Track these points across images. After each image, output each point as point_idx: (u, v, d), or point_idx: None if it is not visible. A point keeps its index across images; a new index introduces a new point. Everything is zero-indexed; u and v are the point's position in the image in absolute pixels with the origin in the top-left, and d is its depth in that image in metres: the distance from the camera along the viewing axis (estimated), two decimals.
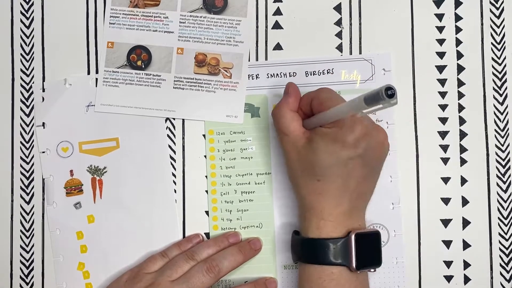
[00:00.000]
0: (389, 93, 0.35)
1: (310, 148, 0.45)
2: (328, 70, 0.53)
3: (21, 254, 0.54)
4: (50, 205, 0.54)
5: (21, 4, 0.55)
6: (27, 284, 0.54)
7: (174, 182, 0.53)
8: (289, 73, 0.53)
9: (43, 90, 0.54)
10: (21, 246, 0.54)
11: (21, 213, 0.54)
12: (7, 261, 0.54)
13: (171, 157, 0.54)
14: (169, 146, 0.54)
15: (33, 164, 0.54)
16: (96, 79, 0.54)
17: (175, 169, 0.53)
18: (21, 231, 0.54)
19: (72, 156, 0.54)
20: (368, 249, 0.45)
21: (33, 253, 0.54)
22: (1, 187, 0.54)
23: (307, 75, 0.53)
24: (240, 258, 0.50)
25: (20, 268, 0.54)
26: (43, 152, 0.54)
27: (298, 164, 0.46)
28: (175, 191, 0.53)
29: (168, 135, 0.54)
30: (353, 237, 0.44)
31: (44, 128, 0.54)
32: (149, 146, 0.54)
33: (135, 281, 0.49)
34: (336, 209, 0.45)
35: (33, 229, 0.54)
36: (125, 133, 0.54)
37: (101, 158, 0.54)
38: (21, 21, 0.55)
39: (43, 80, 0.54)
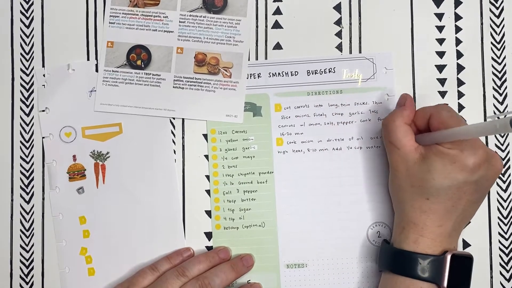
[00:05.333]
0: None
1: (425, 165, 0.44)
2: (330, 69, 0.53)
3: (21, 254, 0.54)
4: (53, 190, 0.54)
5: (21, 3, 0.55)
6: (27, 283, 0.54)
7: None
8: (291, 72, 0.53)
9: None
10: (20, 246, 0.54)
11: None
12: (7, 261, 0.54)
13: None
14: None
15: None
16: (96, 65, 0.54)
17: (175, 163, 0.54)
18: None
19: (75, 141, 0.54)
20: (459, 272, 0.45)
21: (33, 252, 0.54)
22: (1, 183, 0.54)
23: (308, 74, 0.53)
24: (232, 276, 0.50)
25: (20, 268, 0.54)
26: (46, 137, 0.54)
27: (406, 179, 0.45)
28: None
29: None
30: (448, 257, 0.44)
31: (47, 113, 0.54)
32: (152, 131, 0.54)
33: None
34: (439, 229, 0.45)
35: (32, 224, 0.54)
36: (128, 118, 0.54)
37: (104, 143, 0.54)
38: (21, 20, 0.55)
39: (44, 76, 0.54)
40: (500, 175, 0.53)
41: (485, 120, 0.53)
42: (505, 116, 0.35)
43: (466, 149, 0.42)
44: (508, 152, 0.53)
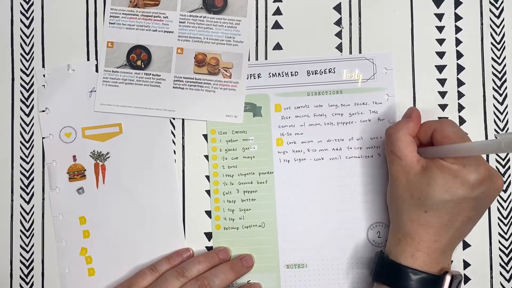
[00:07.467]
0: None
1: (426, 178, 0.44)
2: (330, 69, 0.53)
3: (21, 254, 0.54)
4: (53, 190, 0.54)
5: (21, 4, 0.55)
6: (27, 284, 0.54)
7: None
8: (291, 72, 0.53)
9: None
10: (20, 246, 0.54)
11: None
12: (7, 261, 0.54)
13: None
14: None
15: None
16: (97, 65, 0.54)
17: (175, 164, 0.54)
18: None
19: (75, 141, 0.54)
20: None
21: (33, 252, 0.54)
22: (1, 183, 0.54)
23: (308, 74, 0.53)
24: (232, 276, 0.50)
25: (20, 268, 0.54)
26: (46, 137, 0.54)
27: (406, 190, 0.45)
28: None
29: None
30: (448, 278, 0.44)
31: (47, 113, 0.54)
32: (152, 132, 0.54)
33: None
34: (434, 244, 0.44)
35: (32, 224, 0.54)
36: (128, 118, 0.54)
37: (104, 144, 0.54)
38: (21, 20, 0.55)
39: (44, 76, 0.54)
40: (500, 175, 0.52)
41: (485, 120, 0.53)
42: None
43: (469, 165, 0.42)
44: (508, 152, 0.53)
